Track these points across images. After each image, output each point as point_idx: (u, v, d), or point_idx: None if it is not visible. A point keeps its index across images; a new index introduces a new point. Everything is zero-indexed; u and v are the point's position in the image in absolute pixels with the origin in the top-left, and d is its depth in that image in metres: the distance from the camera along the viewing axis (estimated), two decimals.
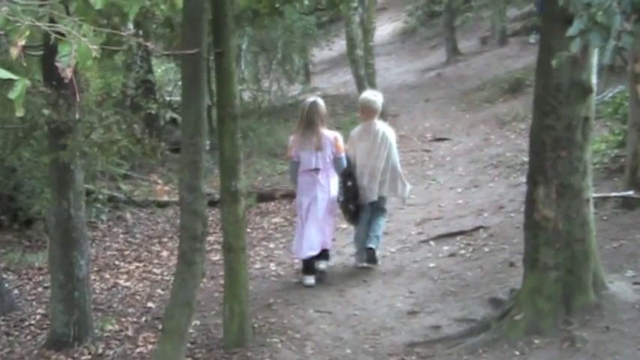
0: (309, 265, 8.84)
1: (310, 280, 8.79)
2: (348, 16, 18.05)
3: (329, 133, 8.87)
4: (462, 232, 9.71)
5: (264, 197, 12.86)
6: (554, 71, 6.16)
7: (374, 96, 9.38)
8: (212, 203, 9.91)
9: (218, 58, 6.90)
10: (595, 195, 7.47)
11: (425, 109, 18.81)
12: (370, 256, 9.05)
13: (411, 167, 13.24)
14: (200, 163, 6.34)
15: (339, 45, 24.03)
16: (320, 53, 25.07)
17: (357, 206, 9.16)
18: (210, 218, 9.52)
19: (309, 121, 8.76)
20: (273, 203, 12.66)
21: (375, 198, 9.13)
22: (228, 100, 6.93)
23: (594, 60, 6.49)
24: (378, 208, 9.24)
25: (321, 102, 8.96)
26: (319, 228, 8.80)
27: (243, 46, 21.22)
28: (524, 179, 7.41)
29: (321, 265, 8.98)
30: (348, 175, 9.06)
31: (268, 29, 18.67)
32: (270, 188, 13.30)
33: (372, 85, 17.11)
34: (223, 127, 6.97)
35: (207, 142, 11.95)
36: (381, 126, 9.29)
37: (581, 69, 6.32)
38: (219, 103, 7.20)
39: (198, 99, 6.32)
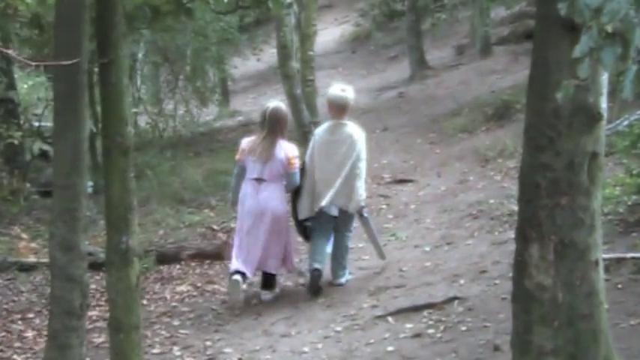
0: (267, 280, 10.54)
1: (268, 295, 10.50)
2: (279, 16, 17.95)
3: (285, 146, 10.38)
4: (430, 305, 9.71)
5: (166, 258, 12.79)
6: (551, 92, 6.21)
7: (342, 91, 10.39)
8: (95, 266, 9.86)
9: (104, 70, 6.85)
10: (606, 256, 7.54)
11: (382, 141, 18.89)
12: (313, 280, 10.12)
13: None
14: (78, 212, 6.28)
15: (269, 54, 24.14)
16: (243, 65, 25.18)
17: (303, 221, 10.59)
18: (93, 286, 9.44)
19: (270, 128, 10.29)
20: (178, 266, 12.58)
21: (332, 211, 10.17)
22: (118, 128, 6.89)
23: (605, 78, 6.54)
24: (341, 227, 10.29)
25: (284, 108, 10.74)
26: (258, 245, 10.27)
27: (140, 55, 21.26)
28: (512, 234, 7.47)
29: (266, 295, 10.51)
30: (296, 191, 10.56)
31: (173, 33, 18.71)
32: (174, 246, 13.25)
33: (311, 108, 17.20)
34: (111, 163, 6.92)
35: (90, 184, 11.90)
36: (352, 129, 10.28)
37: (588, 89, 6.36)
38: (105, 131, 7.15)
39: (76, 125, 6.29)
